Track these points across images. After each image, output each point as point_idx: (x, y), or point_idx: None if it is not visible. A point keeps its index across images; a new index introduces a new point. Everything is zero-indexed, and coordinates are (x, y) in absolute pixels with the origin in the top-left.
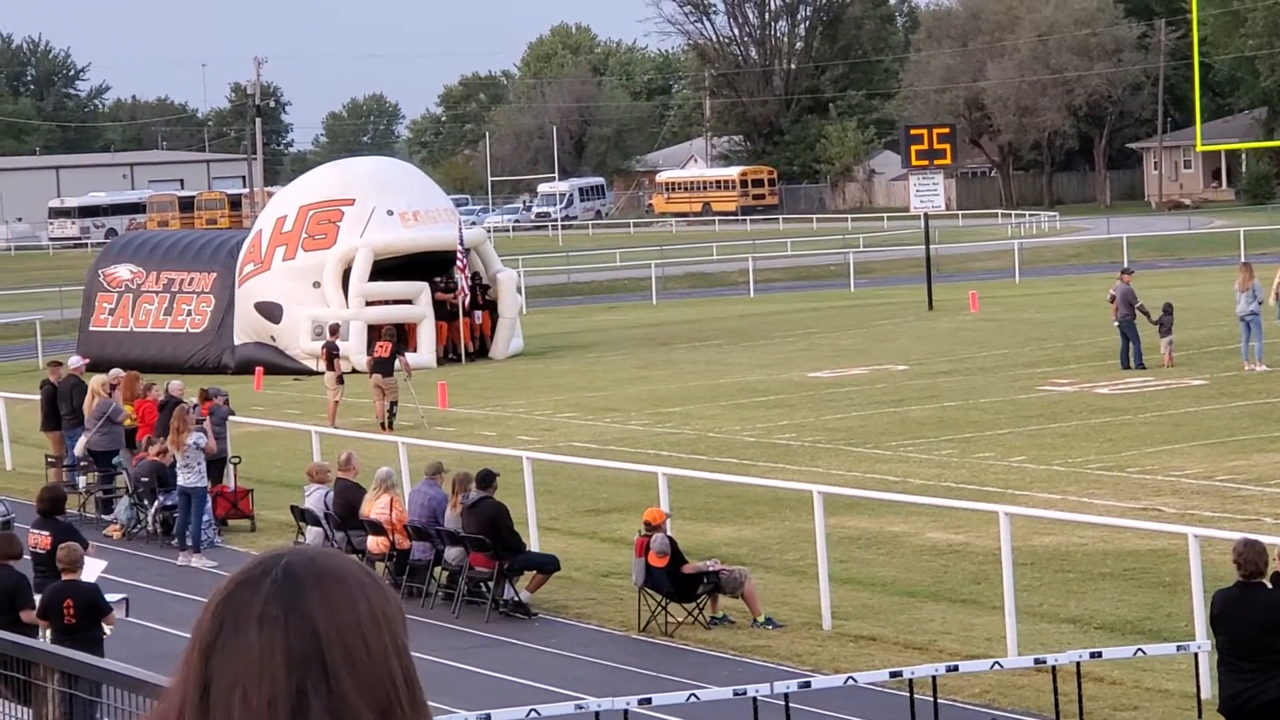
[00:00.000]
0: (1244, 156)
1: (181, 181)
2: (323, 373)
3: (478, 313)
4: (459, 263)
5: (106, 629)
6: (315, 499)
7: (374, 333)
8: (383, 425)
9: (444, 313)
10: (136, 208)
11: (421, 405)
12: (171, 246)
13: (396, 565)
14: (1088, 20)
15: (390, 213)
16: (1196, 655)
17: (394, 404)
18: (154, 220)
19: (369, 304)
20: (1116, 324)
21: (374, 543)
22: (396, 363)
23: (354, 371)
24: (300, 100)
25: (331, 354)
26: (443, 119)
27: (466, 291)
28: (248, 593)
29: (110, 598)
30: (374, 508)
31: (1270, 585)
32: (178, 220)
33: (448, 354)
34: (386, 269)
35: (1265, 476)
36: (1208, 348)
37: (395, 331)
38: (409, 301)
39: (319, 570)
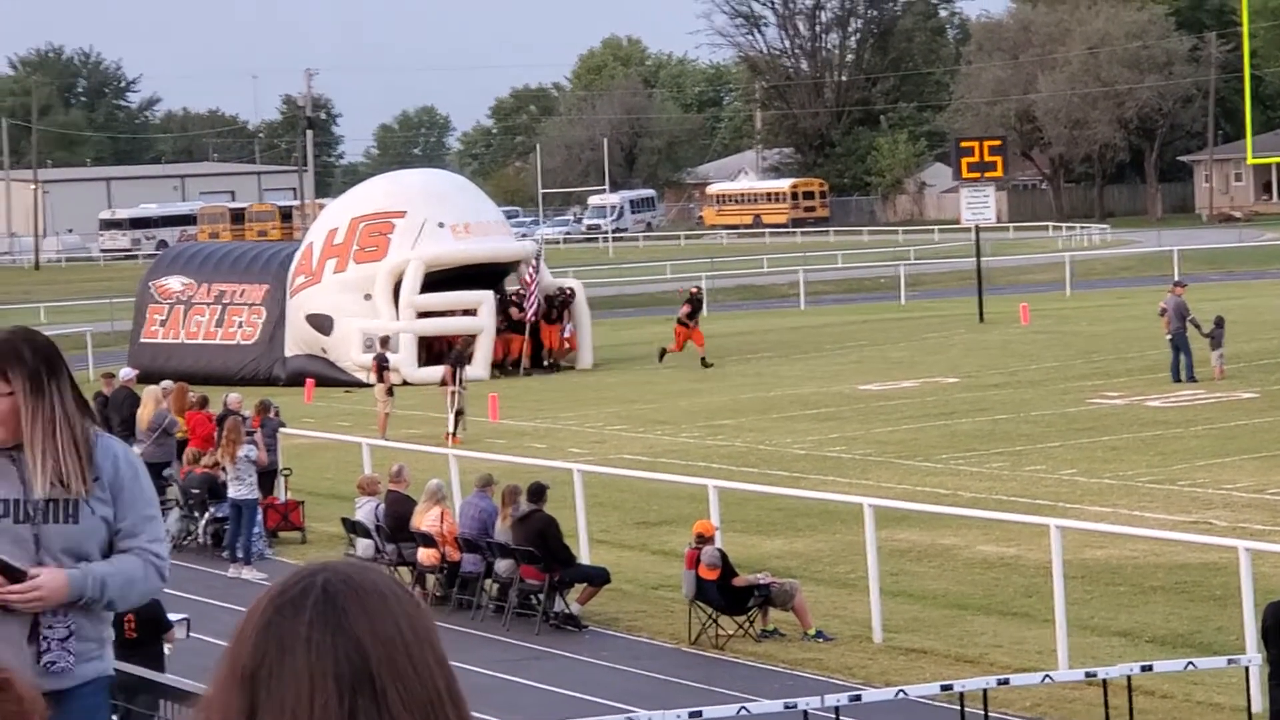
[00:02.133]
0: None
1: (232, 193)
2: (373, 385)
3: (567, 325)
4: (529, 275)
5: (167, 646)
6: (366, 511)
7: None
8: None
9: (518, 326)
10: (187, 219)
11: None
12: (223, 258)
13: (447, 577)
14: (1138, 33)
15: (441, 225)
16: (1247, 669)
17: (461, 413)
18: (205, 232)
19: (420, 315)
20: (1169, 337)
21: (425, 555)
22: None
23: (404, 384)
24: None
25: (381, 366)
26: (493, 131)
27: (536, 303)
28: (290, 615)
29: (172, 617)
30: (425, 520)
31: None
32: (229, 232)
33: (520, 365)
34: (437, 281)
35: None
36: (1259, 360)
37: (461, 355)
38: (472, 312)
39: (357, 587)
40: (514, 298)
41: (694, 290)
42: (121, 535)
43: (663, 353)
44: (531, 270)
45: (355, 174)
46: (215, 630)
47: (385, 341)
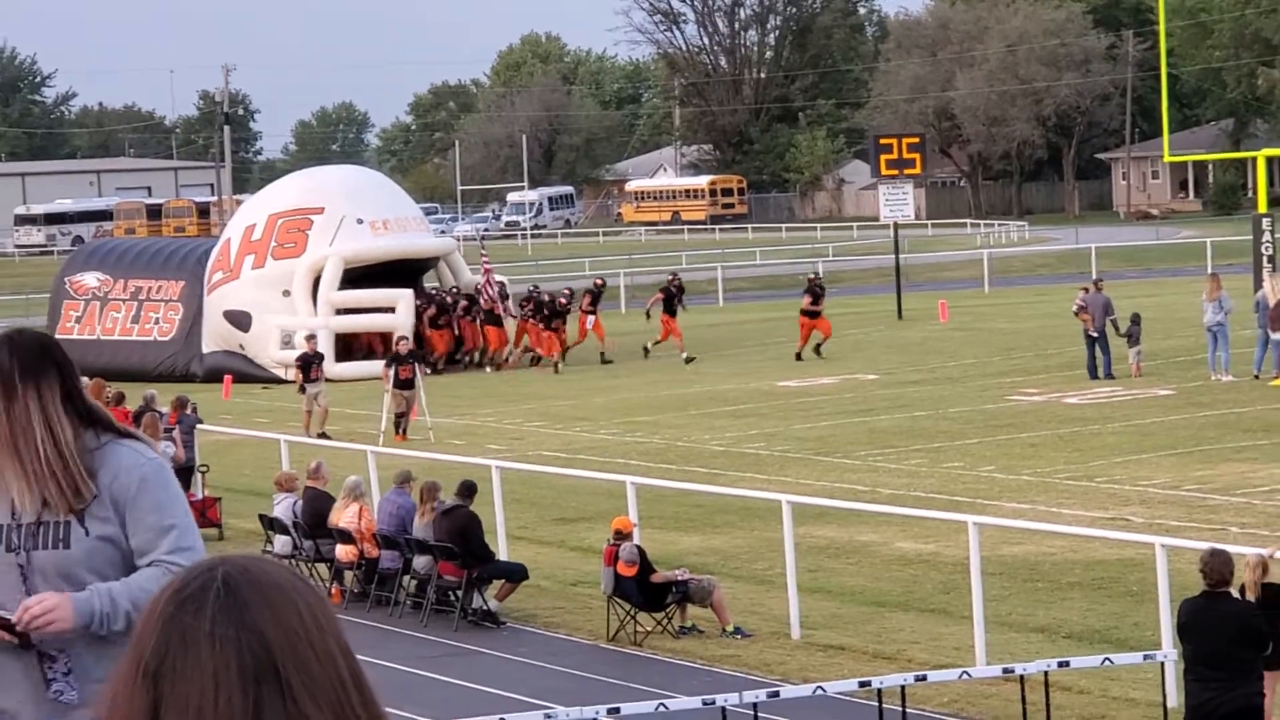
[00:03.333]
0: (1211, 167)
1: (149, 189)
2: (294, 381)
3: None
4: (484, 267)
5: None
6: (284, 507)
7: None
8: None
9: (491, 319)
10: (104, 215)
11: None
12: (139, 254)
13: (365, 574)
14: (1056, 31)
15: (360, 221)
16: (1163, 664)
17: (403, 415)
18: (121, 228)
19: (339, 312)
20: (1093, 334)
21: (343, 551)
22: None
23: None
24: (269, 108)
25: (308, 363)
26: (412, 127)
27: (494, 298)
28: (192, 610)
29: None
30: (343, 516)
31: (1237, 595)
32: (145, 228)
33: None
34: (357, 277)
35: (1231, 486)
36: (1175, 358)
37: (416, 353)
38: (390, 310)
39: (257, 580)
40: (476, 291)
41: (597, 282)
42: (137, 554)
43: (646, 350)
44: (485, 262)
45: (273, 170)
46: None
47: (311, 339)
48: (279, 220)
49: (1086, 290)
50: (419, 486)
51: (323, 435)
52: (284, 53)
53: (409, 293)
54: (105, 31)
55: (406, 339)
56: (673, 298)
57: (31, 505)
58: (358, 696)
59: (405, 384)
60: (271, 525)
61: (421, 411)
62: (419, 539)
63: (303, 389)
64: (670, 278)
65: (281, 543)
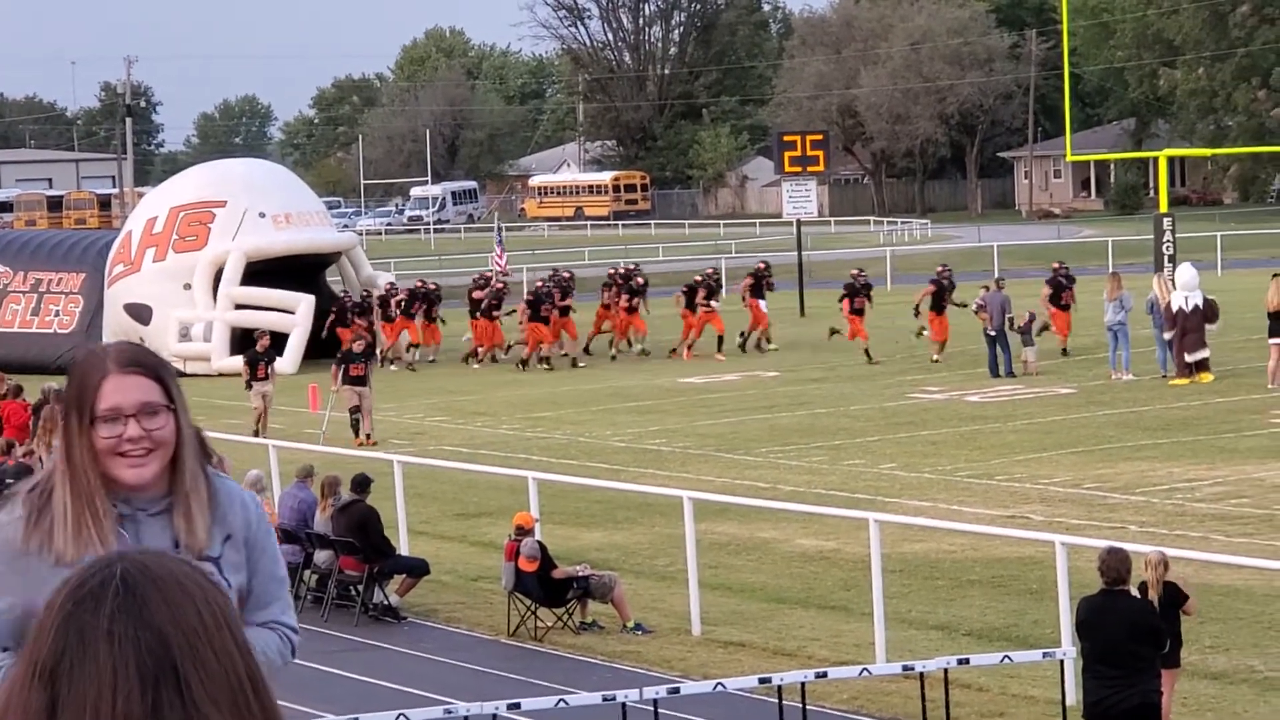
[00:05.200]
0: (1113, 167)
1: (50, 180)
2: (236, 374)
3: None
4: (498, 253)
5: None
6: None
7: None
8: (366, 437)
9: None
10: (4, 207)
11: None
12: (40, 246)
13: None
14: (960, 30)
15: (262, 215)
16: (1062, 662)
17: (356, 409)
18: (21, 220)
19: (238, 307)
20: (991, 333)
21: None
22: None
23: (207, 375)
24: (171, 100)
25: (255, 361)
26: (315, 121)
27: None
28: (90, 608)
29: None
30: None
31: (1137, 593)
32: (46, 220)
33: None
34: (259, 271)
35: (1131, 485)
36: (1077, 356)
37: (370, 350)
38: (290, 311)
39: (156, 577)
40: (480, 281)
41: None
42: (251, 606)
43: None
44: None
45: (175, 163)
46: None
47: (263, 335)
48: (181, 213)
49: (987, 289)
50: (320, 481)
51: (255, 433)
52: (186, 44)
53: (310, 297)
54: (6, 21)
55: (267, 335)
56: (761, 283)
57: (207, 544)
58: (254, 695)
59: (357, 380)
60: None
61: (322, 406)
62: (320, 534)
63: (249, 386)
64: (760, 265)
65: None
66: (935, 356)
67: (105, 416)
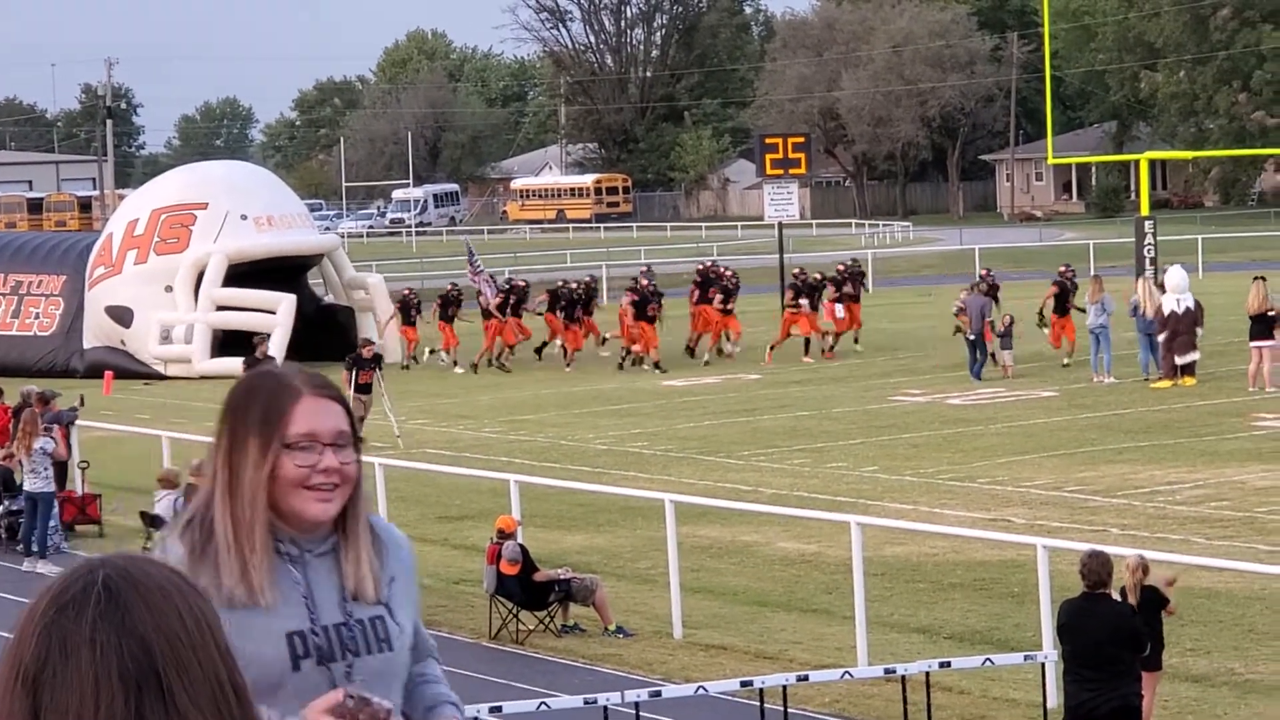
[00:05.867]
0: (1094, 170)
1: (30, 183)
2: (176, 378)
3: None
4: (474, 267)
5: None
6: (165, 505)
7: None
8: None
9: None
10: None
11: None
12: (20, 248)
13: None
14: (942, 32)
15: (244, 217)
16: (1043, 665)
17: (362, 419)
18: (2, 222)
19: (220, 309)
20: (970, 336)
21: None
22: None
23: (188, 378)
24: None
25: (253, 367)
26: (297, 123)
27: (490, 295)
28: (73, 615)
29: None
30: None
31: (1118, 597)
32: (26, 222)
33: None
34: (242, 274)
35: (1112, 488)
36: (1058, 360)
37: (380, 358)
38: (271, 311)
39: (138, 583)
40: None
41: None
42: (416, 653)
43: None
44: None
45: (156, 165)
46: (9, 625)
47: (261, 339)
48: (162, 215)
49: (969, 291)
50: None
51: None
52: (168, 47)
53: (291, 297)
54: None
55: (266, 339)
56: (842, 284)
57: (375, 591)
58: (237, 701)
59: (364, 388)
60: (153, 522)
61: (386, 415)
62: None
63: None
64: (842, 265)
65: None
66: (1066, 360)
67: (299, 444)
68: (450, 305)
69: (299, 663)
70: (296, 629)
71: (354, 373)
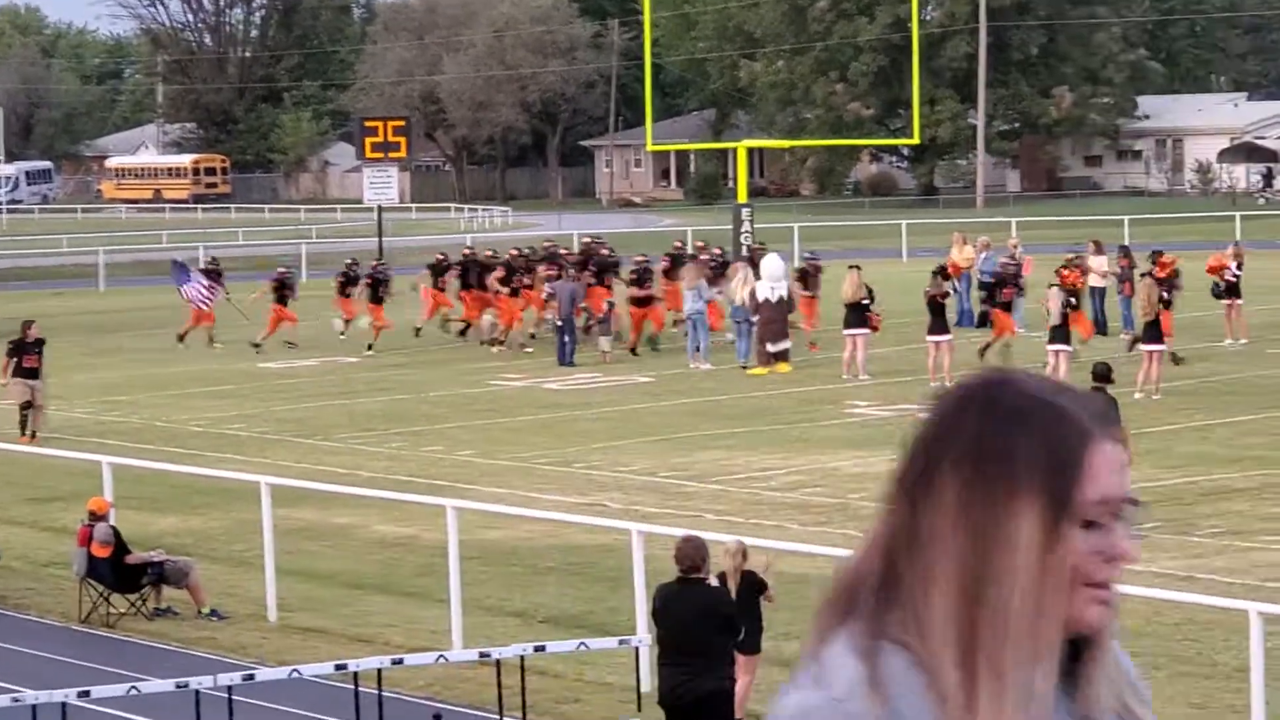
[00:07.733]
0: (693, 157)
1: None
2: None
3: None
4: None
5: None
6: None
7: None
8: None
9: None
10: None
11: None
12: None
13: None
14: (543, 18)
15: None
16: (638, 649)
17: (28, 405)
18: None
19: None
20: (559, 322)
21: None
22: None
23: None
24: None
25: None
26: None
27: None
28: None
29: None
30: None
31: (716, 582)
32: None
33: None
34: None
35: (707, 473)
36: (664, 344)
37: (42, 341)
38: None
39: None
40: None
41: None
42: None
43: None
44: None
45: None
46: None
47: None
48: None
49: (557, 277)
50: None
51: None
52: None
53: None
54: None
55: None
56: (808, 276)
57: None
58: None
59: (29, 373)
60: None
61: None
62: None
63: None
64: (809, 256)
65: None
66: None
67: (1094, 516)
68: (380, 285)
69: None
70: None
71: (17, 359)
